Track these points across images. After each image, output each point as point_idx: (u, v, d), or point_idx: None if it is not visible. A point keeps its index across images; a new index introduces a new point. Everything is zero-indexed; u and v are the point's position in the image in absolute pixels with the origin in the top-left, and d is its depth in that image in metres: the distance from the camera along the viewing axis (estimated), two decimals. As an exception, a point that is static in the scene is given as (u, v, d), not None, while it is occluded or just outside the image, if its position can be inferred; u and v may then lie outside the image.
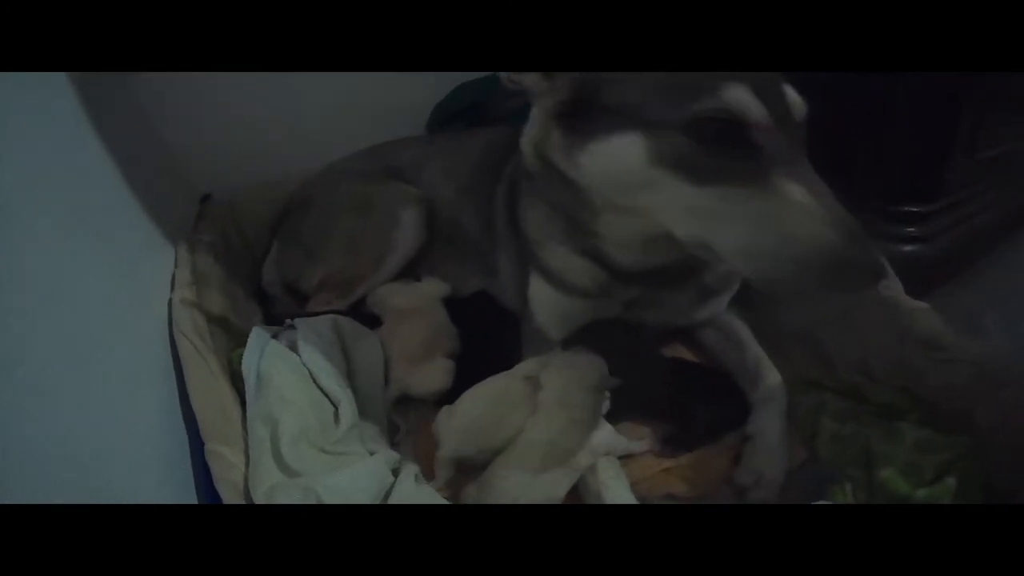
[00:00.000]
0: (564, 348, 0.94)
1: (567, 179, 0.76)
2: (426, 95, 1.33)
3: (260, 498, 0.76)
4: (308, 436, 0.83)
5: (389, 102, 1.25)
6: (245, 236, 1.19)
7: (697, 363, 1.04)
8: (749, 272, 0.64)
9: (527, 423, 0.85)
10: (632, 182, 0.67)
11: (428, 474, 0.87)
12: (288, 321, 0.97)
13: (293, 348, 0.92)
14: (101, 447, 0.70)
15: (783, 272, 0.60)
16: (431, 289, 1.05)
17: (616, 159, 0.67)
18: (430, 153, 1.14)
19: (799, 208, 0.60)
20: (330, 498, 0.74)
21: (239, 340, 0.95)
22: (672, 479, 0.88)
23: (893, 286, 0.92)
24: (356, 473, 0.77)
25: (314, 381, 0.89)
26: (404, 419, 0.94)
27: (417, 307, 1.01)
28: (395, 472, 0.81)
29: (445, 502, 0.81)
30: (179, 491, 0.79)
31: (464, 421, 0.86)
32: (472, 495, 0.81)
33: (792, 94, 0.69)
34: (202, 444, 0.81)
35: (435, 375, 0.94)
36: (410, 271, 1.09)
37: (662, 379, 0.97)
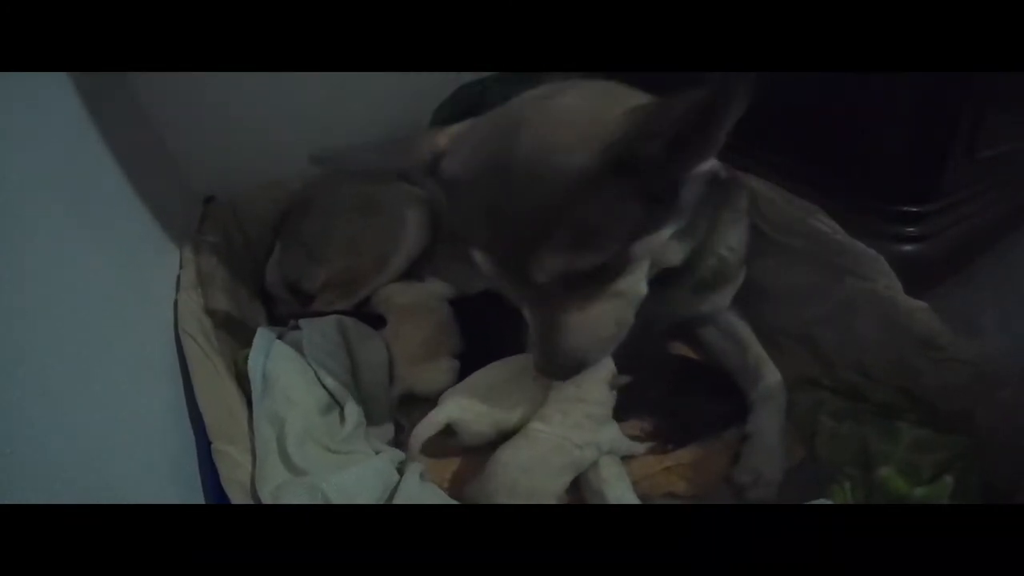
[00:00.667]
0: None
1: None
2: (427, 97, 1.33)
3: (266, 497, 0.77)
4: (314, 435, 0.84)
5: (391, 104, 1.26)
6: (248, 237, 1.19)
7: (698, 361, 1.05)
8: None
9: (534, 415, 0.86)
10: None
11: (434, 473, 0.89)
12: (293, 322, 0.98)
13: (298, 348, 0.93)
14: (107, 447, 0.71)
15: None
16: (435, 289, 1.06)
17: None
18: None
19: None
20: (336, 497, 0.75)
21: (244, 340, 0.96)
22: (673, 478, 0.89)
23: (892, 285, 0.92)
24: (362, 472, 0.78)
25: (319, 381, 0.90)
26: (409, 418, 0.95)
27: (421, 306, 1.02)
28: (400, 471, 0.82)
29: (450, 500, 0.82)
30: (185, 491, 0.80)
31: (471, 386, 0.88)
32: (475, 488, 0.81)
33: None
34: (208, 444, 0.81)
35: (439, 374, 0.95)
36: (414, 272, 1.09)
37: (665, 376, 0.98)
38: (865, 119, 1.01)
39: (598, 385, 0.86)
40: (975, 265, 1.08)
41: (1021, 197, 1.08)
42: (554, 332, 0.74)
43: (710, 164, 0.80)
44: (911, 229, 1.01)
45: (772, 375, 0.93)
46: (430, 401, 0.96)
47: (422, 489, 0.79)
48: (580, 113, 0.69)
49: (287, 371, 0.89)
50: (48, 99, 0.87)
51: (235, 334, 0.98)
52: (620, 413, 0.90)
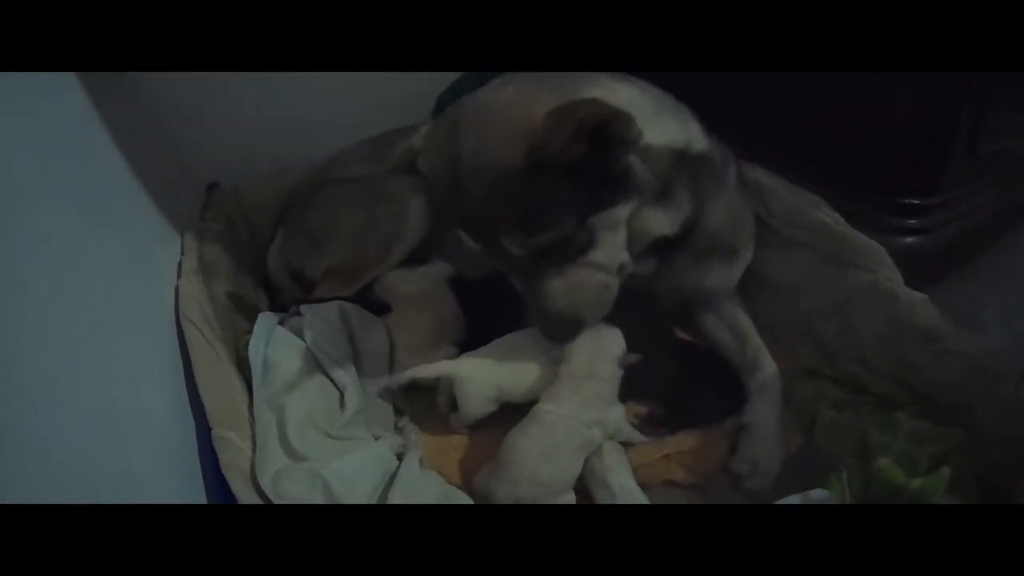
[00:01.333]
0: None
1: None
2: (432, 83, 1.33)
3: (267, 483, 0.77)
4: (314, 421, 0.84)
5: (395, 90, 1.26)
6: (251, 225, 1.20)
7: (701, 348, 1.05)
8: None
9: (544, 393, 0.86)
10: None
11: (432, 459, 0.89)
12: (294, 307, 0.99)
13: (299, 334, 0.93)
14: (108, 434, 0.71)
15: None
16: (437, 272, 1.07)
17: None
18: None
19: None
20: (336, 482, 0.76)
21: (246, 327, 0.96)
22: (672, 466, 0.89)
23: (893, 277, 0.92)
24: (361, 458, 0.79)
25: (320, 367, 0.90)
26: (409, 405, 0.95)
27: (425, 293, 1.03)
28: (399, 456, 0.83)
29: (448, 485, 0.82)
30: (186, 477, 0.81)
31: (480, 352, 0.90)
32: (491, 479, 0.80)
33: None
34: (209, 430, 0.82)
35: (439, 364, 0.95)
36: (416, 254, 1.09)
37: (669, 361, 0.99)
38: (867, 114, 1.01)
39: (609, 363, 0.88)
40: (976, 261, 1.08)
41: (1022, 193, 1.08)
42: (541, 298, 0.80)
43: (683, 142, 0.83)
44: (912, 222, 1.01)
45: (769, 366, 0.93)
46: (429, 389, 0.97)
47: (422, 475, 0.80)
48: (509, 113, 0.75)
49: (288, 357, 0.89)
50: (51, 86, 0.87)
51: (237, 320, 0.99)
52: (620, 395, 0.90)
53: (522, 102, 0.74)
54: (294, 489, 0.76)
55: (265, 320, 0.93)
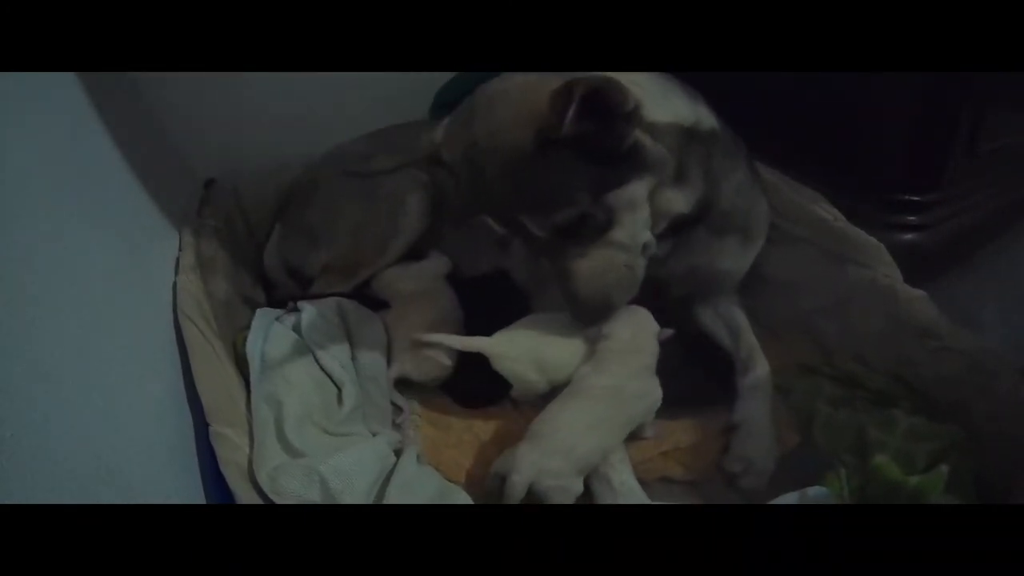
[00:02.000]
0: None
1: None
2: (429, 79, 1.33)
3: (264, 479, 0.77)
4: (312, 417, 0.84)
5: (392, 86, 1.25)
6: (249, 221, 1.19)
7: (703, 337, 1.04)
8: None
9: (583, 368, 0.87)
10: None
11: (430, 455, 0.89)
12: (292, 303, 0.99)
13: (297, 330, 0.93)
14: (106, 430, 0.71)
15: None
16: (435, 268, 1.06)
17: None
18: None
19: None
20: (333, 478, 0.76)
21: (244, 323, 0.96)
22: (669, 463, 0.89)
23: (891, 274, 0.92)
24: (359, 454, 0.79)
25: (318, 363, 0.90)
26: (407, 401, 0.95)
27: (423, 290, 1.03)
28: (397, 453, 0.83)
29: (445, 481, 0.82)
30: (184, 474, 0.81)
31: (514, 329, 0.91)
32: (514, 452, 0.79)
33: None
34: (207, 426, 0.82)
35: (437, 361, 0.95)
36: (415, 249, 1.09)
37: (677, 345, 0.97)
38: (868, 111, 1.01)
39: (651, 337, 0.89)
40: (976, 258, 1.08)
41: (1022, 191, 1.08)
42: (567, 279, 0.83)
43: (692, 119, 0.83)
44: (912, 218, 1.01)
45: (762, 366, 0.93)
46: (427, 386, 0.97)
47: (419, 471, 0.80)
48: (518, 96, 0.78)
49: (285, 353, 0.89)
50: (48, 84, 0.87)
51: (235, 317, 0.98)
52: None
53: (531, 85, 0.76)
54: (291, 485, 0.76)
55: (263, 316, 0.93)
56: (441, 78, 1.33)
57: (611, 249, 0.81)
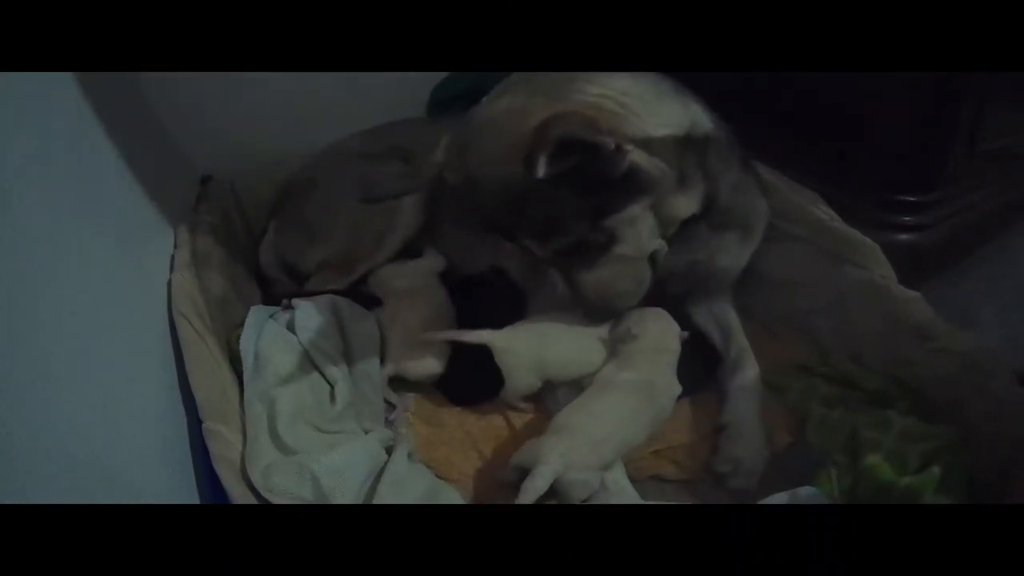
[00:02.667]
0: None
1: None
2: (426, 76, 1.33)
3: (257, 476, 0.78)
4: (304, 415, 0.85)
5: (389, 83, 1.25)
6: (247, 217, 1.19)
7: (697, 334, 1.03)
8: None
9: (611, 364, 0.88)
10: None
11: (422, 453, 0.90)
12: (286, 301, 0.99)
13: (291, 328, 0.93)
14: (101, 427, 0.72)
15: None
16: (429, 266, 1.07)
17: None
18: (434, 132, 1.14)
19: None
20: (325, 476, 0.76)
21: (239, 320, 0.97)
22: (662, 462, 0.90)
23: (887, 275, 0.92)
24: (350, 451, 0.79)
25: (311, 361, 0.91)
26: (400, 398, 0.96)
27: (417, 288, 1.03)
28: (388, 450, 0.83)
29: (436, 479, 0.82)
30: (177, 470, 0.82)
31: (521, 326, 0.92)
32: (539, 445, 0.78)
33: None
34: (201, 423, 0.82)
35: (430, 359, 0.95)
36: (411, 246, 1.10)
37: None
38: (867, 109, 1.00)
39: (675, 337, 0.91)
40: (975, 257, 1.07)
41: (1021, 189, 1.07)
42: (576, 288, 0.83)
43: (687, 125, 0.82)
44: (909, 218, 1.01)
45: (752, 368, 0.93)
46: (419, 384, 0.97)
47: (410, 469, 0.80)
48: (504, 126, 0.77)
49: (279, 350, 0.89)
50: (45, 80, 0.87)
51: (230, 313, 0.99)
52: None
53: (515, 115, 0.76)
54: (284, 483, 0.77)
55: (257, 314, 0.94)
56: (438, 75, 1.33)
57: (617, 262, 0.81)
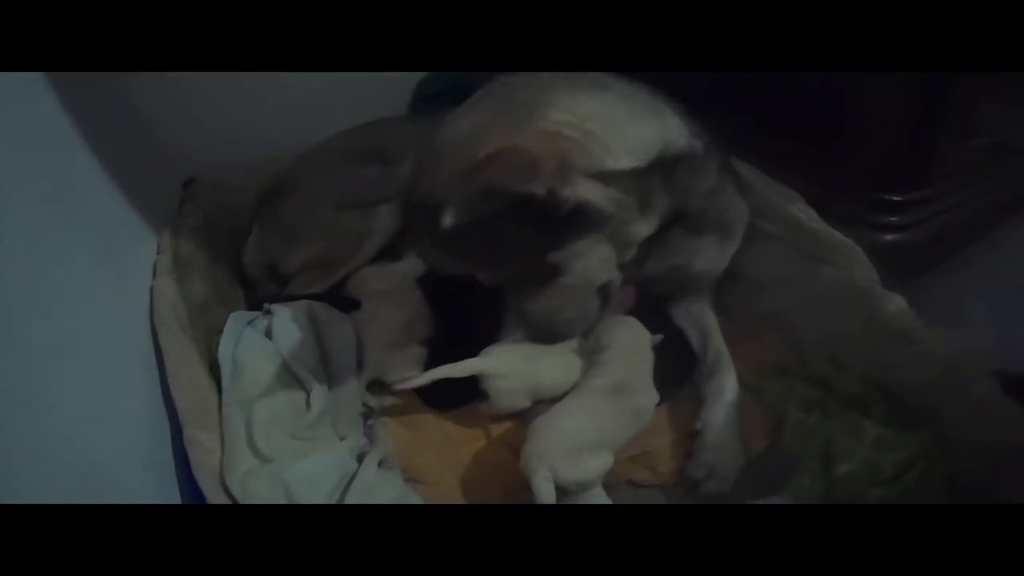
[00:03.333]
0: None
1: None
2: (408, 74, 1.31)
3: (235, 484, 0.79)
4: (280, 422, 0.86)
5: (371, 82, 1.23)
6: (232, 218, 1.20)
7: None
8: None
9: (587, 375, 0.88)
10: None
11: (402, 457, 0.91)
12: (266, 306, 1.00)
13: (269, 334, 0.95)
14: (83, 435, 0.73)
15: None
16: (407, 269, 1.06)
17: None
18: (416, 132, 1.13)
19: None
20: (295, 484, 0.78)
21: (220, 325, 0.97)
22: (636, 467, 0.90)
23: (868, 276, 0.90)
24: (320, 460, 0.82)
25: (288, 367, 0.92)
26: (379, 402, 0.97)
27: (397, 291, 1.03)
28: (360, 458, 0.85)
29: (403, 486, 0.84)
30: (160, 478, 0.83)
31: (511, 345, 0.91)
32: (528, 448, 0.79)
33: None
34: (182, 430, 0.84)
35: (407, 363, 0.96)
36: (392, 249, 1.10)
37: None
38: (855, 105, 0.97)
39: (648, 344, 0.92)
40: (960, 253, 1.04)
41: (1011, 187, 1.03)
42: (521, 313, 0.81)
43: (659, 146, 0.79)
44: (894, 218, 0.98)
45: (728, 373, 0.92)
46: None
47: (378, 477, 0.82)
48: (455, 153, 0.74)
49: (256, 357, 0.91)
50: (23, 80, 0.86)
51: (212, 319, 1.00)
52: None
53: (470, 140, 0.73)
54: (260, 491, 0.79)
55: (235, 320, 0.95)
56: (420, 73, 1.32)
57: (561, 292, 0.78)
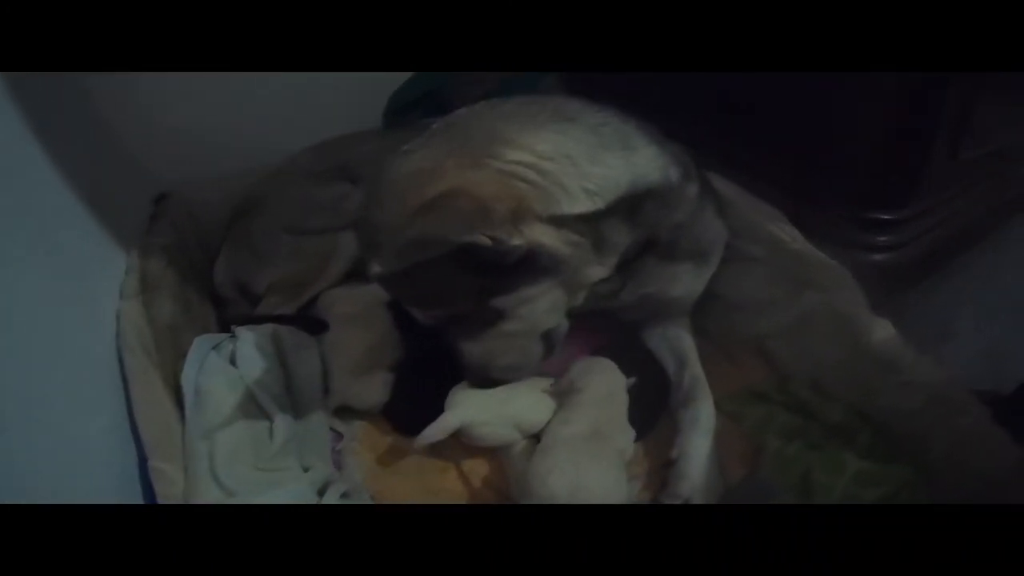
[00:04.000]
0: None
1: None
2: (383, 85, 1.27)
3: (196, 517, 0.78)
4: (242, 453, 0.84)
5: (348, 97, 1.20)
6: (204, 235, 1.17)
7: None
8: None
9: (550, 427, 0.85)
10: None
11: (371, 484, 0.89)
12: (232, 329, 0.98)
13: (233, 360, 0.93)
14: (48, 463, 0.72)
15: None
16: (377, 292, 1.03)
17: None
18: (384, 148, 1.10)
19: None
20: (254, 520, 0.76)
21: (188, 348, 0.96)
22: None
23: (854, 300, 0.86)
24: (279, 495, 0.79)
25: (251, 395, 0.90)
26: (347, 427, 0.95)
27: (362, 313, 1.00)
28: (322, 491, 0.83)
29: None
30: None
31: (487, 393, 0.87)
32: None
33: None
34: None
35: (374, 388, 0.94)
36: (361, 273, 1.07)
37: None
38: (843, 119, 0.93)
39: (622, 388, 0.88)
40: (949, 267, 1.00)
41: (1000, 198, 0.98)
42: (457, 355, 0.80)
43: (625, 183, 0.75)
44: (883, 238, 0.94)
45: (705, 401, 0.89)
46: (367, 413, 0.96)
47: (340, 513, 0.80)
48: (405, 189, 0.71)
49: (219, 385, 0.89)
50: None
51: (179, 342, 0.98)
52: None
53: (420, 177, 0.70)
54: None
55: (199, 346, 0.93)
56: (394, 84, 1.28)
57: (502, 338, 0.76)
